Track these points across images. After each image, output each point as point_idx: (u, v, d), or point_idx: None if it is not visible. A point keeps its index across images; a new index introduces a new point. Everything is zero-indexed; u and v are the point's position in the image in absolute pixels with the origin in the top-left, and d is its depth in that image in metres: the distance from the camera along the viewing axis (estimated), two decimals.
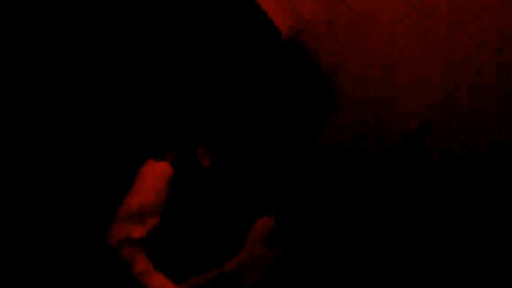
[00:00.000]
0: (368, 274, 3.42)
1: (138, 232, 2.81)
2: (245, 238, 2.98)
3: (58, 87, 3.39)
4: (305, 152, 3.48)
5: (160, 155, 2.94)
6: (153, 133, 3.39)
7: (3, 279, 3.20)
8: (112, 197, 2.93)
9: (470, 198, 3.36)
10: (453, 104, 3.39)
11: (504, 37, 3.37)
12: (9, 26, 3.33)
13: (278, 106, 3.33)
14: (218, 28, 3.43)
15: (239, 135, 3.06)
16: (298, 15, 3.46)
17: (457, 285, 3.34)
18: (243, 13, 3.42)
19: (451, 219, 3.39)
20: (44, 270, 3.26)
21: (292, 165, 3.47)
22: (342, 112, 3.45)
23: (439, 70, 3.41)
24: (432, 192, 3.39)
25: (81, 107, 3.39)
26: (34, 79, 3.37)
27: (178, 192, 2.90)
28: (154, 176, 2.89)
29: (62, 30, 3.38)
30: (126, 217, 2.82)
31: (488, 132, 3.37)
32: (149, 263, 2.79)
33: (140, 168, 2.92)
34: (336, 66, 3.45)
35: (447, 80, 3.40)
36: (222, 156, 3.03)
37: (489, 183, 3.35)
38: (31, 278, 3.24)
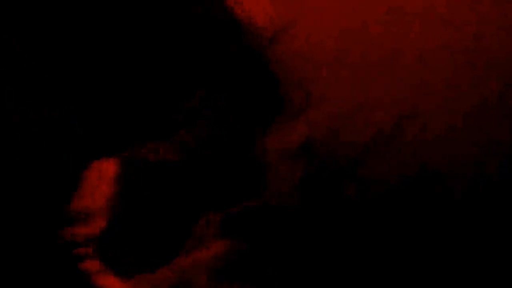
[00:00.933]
0: (327, 269, 3.44)
1: (89, 231, 2.89)
2: (196, 233, 3.07)
3: None
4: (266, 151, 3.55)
5: (107, 155, 3.06)
6: (97, 133, 3.43)
7: None
8: (61, 198, 3.02)
9: (442, 196, 3.57)
10: (424, 102, 3.57)
11: (477, 38, 3.55)
12: None
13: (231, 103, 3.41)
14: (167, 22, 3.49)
15: (188, 131, 3.19)
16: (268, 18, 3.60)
17: None
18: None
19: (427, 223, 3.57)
20: None
21: (248, 162, 3.49)
22: (313, 111, 3.62)
23: (411, 70, 3.59)
24: (403, 190, 3.58)
25: (23, 108, 3.45)
26: None
27: (128, 191, 2.99)
28: (102, 175, 2.98)
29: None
30: (76, 217, 2.92)
31: (460, 129, 3.56)
32: (100, 263, 2.88)
33: (87, 168, 3.03)
34: (308, 66, 3.61)
35: (419, 79, 3.58)
36: (172, 152, 3.14)
37: (462, 179, 3.56)
38: None
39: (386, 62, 3.59)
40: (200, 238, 3.04)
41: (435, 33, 3.57)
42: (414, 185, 3.57)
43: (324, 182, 3.52)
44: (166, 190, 3.04)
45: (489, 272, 3.45)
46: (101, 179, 2.96)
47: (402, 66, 3.58)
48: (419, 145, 3.59)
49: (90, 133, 3.47)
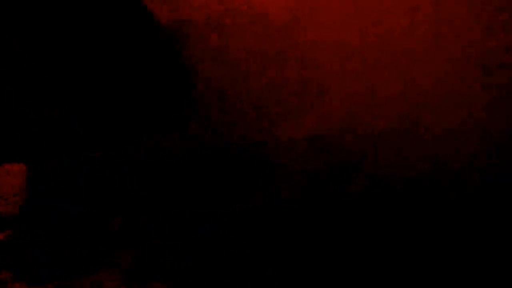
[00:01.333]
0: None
1: None
2: (100, 240, 2.98)
3: None
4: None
5: (14, 161, 3.02)
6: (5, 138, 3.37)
7: None
8: None
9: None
10: (435, 97, 3.48)
11: (488, 32, 3.45)
12: None
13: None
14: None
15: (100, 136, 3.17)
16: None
17: None
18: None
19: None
20: None
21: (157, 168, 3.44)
22: (324, 105, 3.55)
23: (422, 64, 3.49)
24: (414, 184, 3.49)
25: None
26: None
27: (35, 196, 2.93)
28: (10, 180, 2.93)
29: None
30: None
31: (472, 123, 3.46)
32: (10, 272, 2.79)
33: None
34: (320, 59, 3.54)
35: (430, 74, 3.49)
36: (80, 157, 3.13)
37: (475, 173, 3.45)
38: None
39: (397, 56, 3.51)
40: (115, 243, 2.98)
41: (445, 27, 3.46)
42: (425, 179, 3.47)
43: (333, 176, 3.44)
44: (80, 195, 3.01)
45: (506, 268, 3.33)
46: (9, 184, 2.91)
47: (413, 61, 3.49)
48: (431, 139, 3.48)
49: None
